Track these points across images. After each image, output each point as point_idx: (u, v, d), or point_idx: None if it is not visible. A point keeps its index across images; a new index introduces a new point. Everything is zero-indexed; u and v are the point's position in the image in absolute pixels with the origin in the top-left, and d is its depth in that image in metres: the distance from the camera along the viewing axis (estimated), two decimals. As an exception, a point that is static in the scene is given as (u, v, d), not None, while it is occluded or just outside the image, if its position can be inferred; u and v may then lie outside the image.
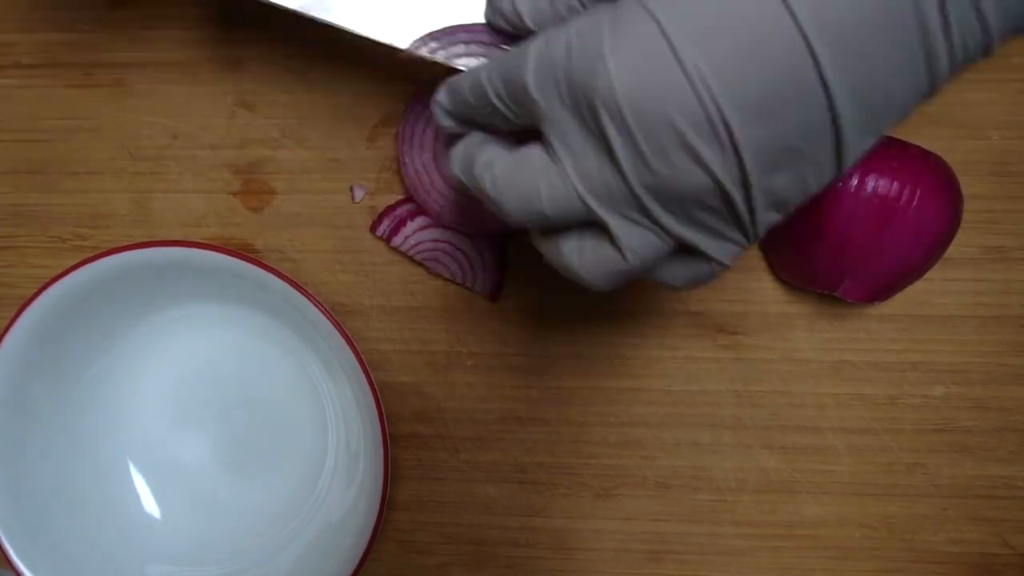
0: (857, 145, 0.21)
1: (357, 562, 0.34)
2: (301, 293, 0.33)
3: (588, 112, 0.21)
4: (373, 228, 0.38)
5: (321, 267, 0.39)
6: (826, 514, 0.38)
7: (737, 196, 0.21)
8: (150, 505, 0.39)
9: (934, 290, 0.37)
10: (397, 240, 0.38)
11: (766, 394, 0.38)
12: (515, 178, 0.24)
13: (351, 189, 0.39)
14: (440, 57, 0.29)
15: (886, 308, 0.38)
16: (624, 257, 0.23)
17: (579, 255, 0.24)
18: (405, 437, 0.39)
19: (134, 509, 0.38)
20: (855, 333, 0.38)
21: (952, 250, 0.36)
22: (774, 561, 0.39)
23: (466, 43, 0.29)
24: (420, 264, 0.39)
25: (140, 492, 0.39)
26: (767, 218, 0.22)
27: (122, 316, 0.37)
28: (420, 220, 0.38)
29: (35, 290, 0.34)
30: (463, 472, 0.39)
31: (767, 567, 0.39)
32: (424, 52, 0.29)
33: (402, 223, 0.38)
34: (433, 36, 0.29)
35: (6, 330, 0.34)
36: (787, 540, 0.38)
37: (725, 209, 0.22)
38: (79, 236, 0.40)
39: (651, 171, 0.21)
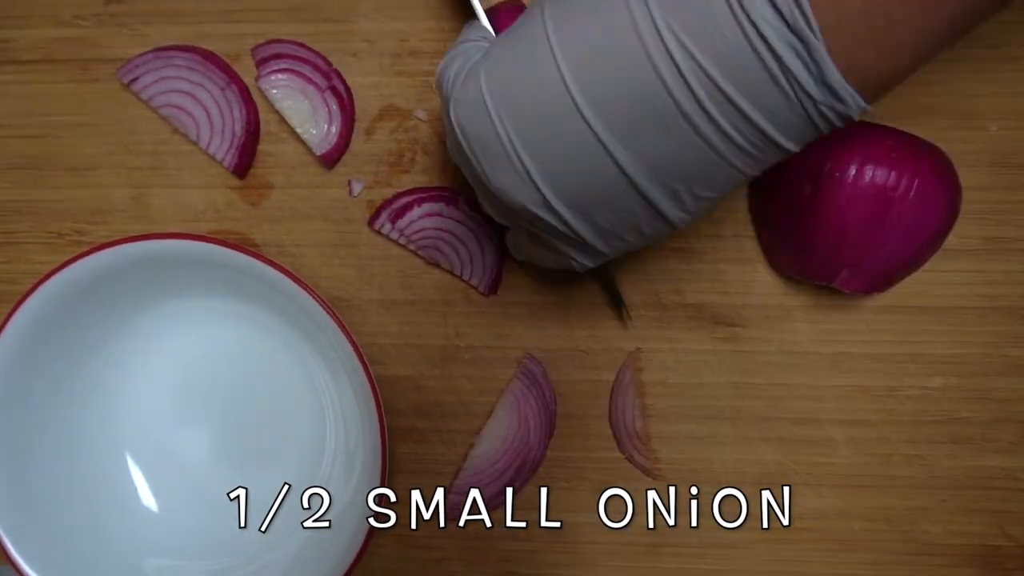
0: (668, 205, 0.25)
1: (355, 555, 0.34)
2: (300, 287, 0.33)
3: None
4: (371, 222, 0.38)
5: (319, 261, 0.39)
6: (825, 506, 0.38)
7: (546, 216, 0.26)
8: (148, 499, 0.39)
9: (932, 281, 0.37)
10: (402, 223, 0.38)
11: (764, 386, 0.38)
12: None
13: (349, 183, 0.39)
14: None
15: (884, 299, 0.38)
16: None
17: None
18: (403, 431, 0.39)
19: (132, 502, 0.38)
20: (853, 325, 0.38)
21: (951, 241, 0.36)
22: (773, 554, 0.39)
23: None
24: (418, 255, 0.39)
25: (138, 485, 0.39)
26: (610, 245, 0.27)
27: (120, 310, 0.37)
28: (425, 207, 0.38)
29: (32, 284, 0.34)
30: (461, 466, 0.39)
31: (766, 560, 0.39)
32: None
33: (405, 210, 0.38)
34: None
35: (4, 324, 0.34)
36: (785, 533, 0.38)
37: (548, 225, 0.27)
38: (78, 231, 0.40)
39: (484, 181, 0.26)
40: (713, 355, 0.38)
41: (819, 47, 0.21)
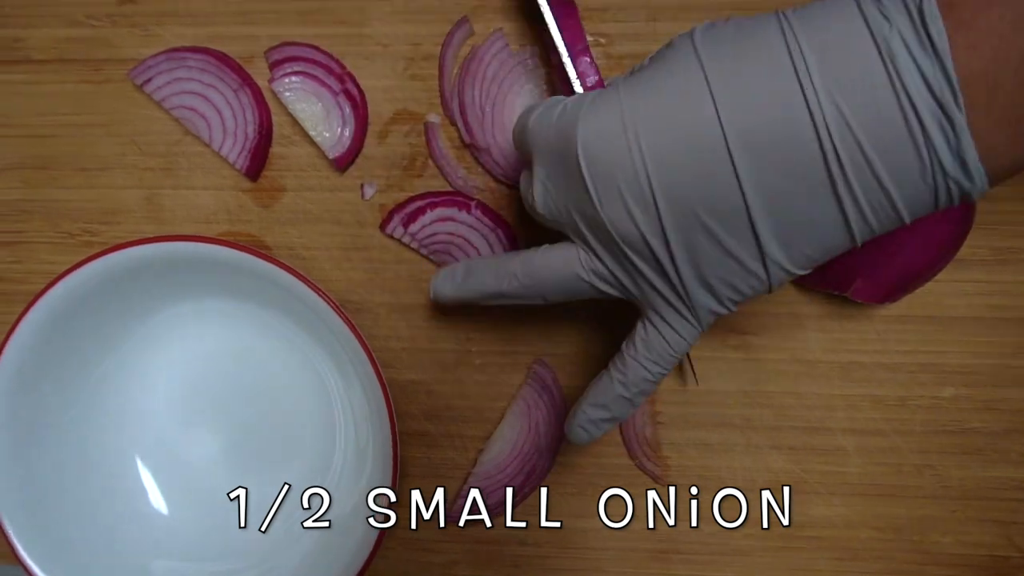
0: (778, 255, 0.25)
1: (364, 560, 0.34)
2: (312, 290, 0.33)
3: (564, 155, 0.27)
4: (383, 226, 0.38)
5: (330, 264, 0.39)
6: (834, 515, 0.38)
7: (658, 248, 0.26)
8: (157, 501, 0.39)
9: (945, 291, 0.37)
10: (414, 227, 0.38)
11: (775, 394, 0.38)
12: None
13: (361, 186, 0.39)
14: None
15: (896, 309, 0.38)
16: (580, 267, 0.29)
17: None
18: (413, 435, 0.39)
19: (141, 505, 0.38)
20: (865, 334, 0.38)
21: (963, 252, 0.36)
22: (781, 562, 0.39)
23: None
24: (430, 260, 0.39)
25: (147, 488, 0.39)
26: (704, 298, 0.27)
27: (131, 312, 0.37)
28: (437, 212, 0.38)
29: (44, 286, 0.34)
30: (471, 471, 0.39)
31: (774, 567, 0.39)
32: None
33: (417, 214, 0.38)
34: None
35: (15, 325, 0.34)
36: (794, 541, 0.38)
37: (653, 263, 0.27)
38: (89, 232, 0.40)
39: (595, 208, 0.27)
40: (724, 363, 0.38)
41: (962, 122, 0.22)
